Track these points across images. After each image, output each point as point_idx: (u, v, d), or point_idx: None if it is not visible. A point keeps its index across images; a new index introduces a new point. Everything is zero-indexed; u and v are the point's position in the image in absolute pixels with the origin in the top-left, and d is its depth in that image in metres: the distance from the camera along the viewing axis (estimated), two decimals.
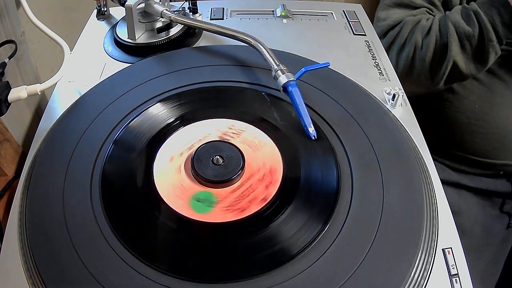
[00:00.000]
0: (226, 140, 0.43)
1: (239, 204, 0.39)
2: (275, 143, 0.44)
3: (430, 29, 0.70)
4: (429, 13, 0.75)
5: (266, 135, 0.44)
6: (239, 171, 0.40)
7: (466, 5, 0.69)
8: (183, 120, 0.46)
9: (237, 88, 0.50)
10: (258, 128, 0.45)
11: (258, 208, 0.38)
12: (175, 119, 0.46)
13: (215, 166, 0.41)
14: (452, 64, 0.69)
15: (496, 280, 0.74)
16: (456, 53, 0.68)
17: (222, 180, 0.40)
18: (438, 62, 0.70)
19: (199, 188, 0.40)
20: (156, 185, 0.40)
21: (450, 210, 0.40)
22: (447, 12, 0.71)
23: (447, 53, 0.68)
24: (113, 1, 0.59)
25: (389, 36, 0.75)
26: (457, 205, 0.77)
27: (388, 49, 0.74)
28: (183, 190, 0.40)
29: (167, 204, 0.39)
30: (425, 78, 0.72)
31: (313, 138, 0.43)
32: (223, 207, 0.39)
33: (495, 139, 0.74)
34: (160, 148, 0.43)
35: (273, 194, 0.39)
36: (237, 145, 0.42)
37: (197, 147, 0.42)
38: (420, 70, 0.72)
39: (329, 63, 0.48)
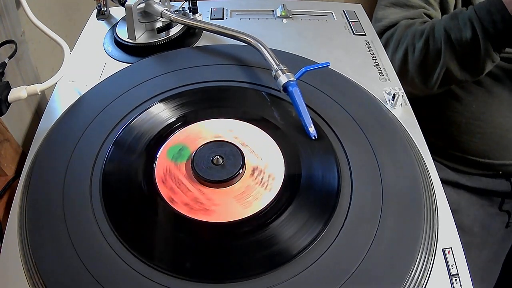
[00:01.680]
0: (225, 140, 0.43)
1: (244, 201, 0.39)
2: (275, 142, 0.44)
3: (423, 33, 0.69)
4: (426, 14, 0.75)
5: (266, 133, 0.44)
6: (239, 170, 0.40)
7: (463, 9, 0.66)
8: (183, 120, 0.46)
9: (237, 88, 0.50)
10: (258, 127, 0.45)
11: (264, 204, 0.38)
12: (175, 119, 0.46)
13: (216, 166, 0.41)
14: (446, 70, 0.68)
15: (496, 278, 0.74)
16: (449, 59, 0.66)
17: (223, 180, 0.40)
18: (431, 67, 0.69)
19: (201, 189, 0.40)
20: (156, 184, 0.40)
21: (450, 209, 0.40)
22: (442, 17, 0.70)
23: (440, 59, 0.67)
24: (113, 1, 0.59)
25: (384, 37, 0.75)
26: (456, 203, 0.77)
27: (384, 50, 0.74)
28: (185, 190, 0.40)
29: (167, 204, 0.39)
30: (418, 82, 0.72)
31: (313, 138, 0.43)
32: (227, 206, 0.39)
33: (493, 139, 0.74)
34: (160, 148, 0.43)
35: (275, 193, 0.39)
36: (236, 145, 0.42)
37: (197, 147, 0.42)
38: (413, 74, 0.71)
39: (329, 63, 0.48)
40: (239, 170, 0.40)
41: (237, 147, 0.42)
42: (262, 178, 0.41)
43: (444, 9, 0.77)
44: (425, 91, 0.74)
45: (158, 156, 0.42)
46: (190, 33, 0.59)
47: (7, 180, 0.47)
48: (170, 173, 0.41)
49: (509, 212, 0.78)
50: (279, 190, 0.40)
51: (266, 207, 0.38)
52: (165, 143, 0.43)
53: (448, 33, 0.65)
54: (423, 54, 0.69)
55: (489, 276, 0.74)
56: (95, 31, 0.61)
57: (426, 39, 0.68)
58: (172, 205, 0.39)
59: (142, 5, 0.55)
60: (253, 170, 0.41)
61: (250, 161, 0.42)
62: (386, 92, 0.50)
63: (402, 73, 0.72)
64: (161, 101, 0.47)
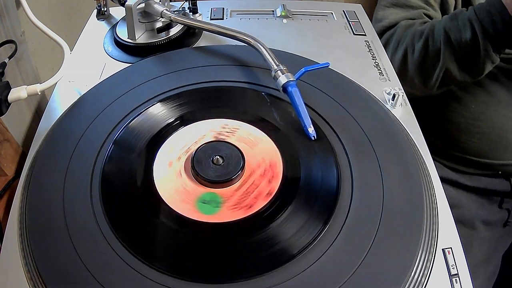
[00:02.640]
0: (223, 140, 0.43)
1: (246, 201, 0.39)
2: (275, 142, 0.44)
3: (422, 34, 0.69)
4: (426, 14, 0.75)
5: (260, 130, 0.44)
6: (240, 169, 0.40)
7: (463, 10, 0.66)
8: (183, 120, 0.46)
9: (237, 88, 0.50)
10: (258, 127, 0.45)
11: (265, 203, 0.39)
12: (175, 119, 0.46)
13: (216, 166, 0.41)
14: (445, 71, 0.67)
15: (497, 272, 0.75)
16: (448, 60, 0.66)
17: (225, 180, 0.40)
18: (430, 68, 0.69)
19: (203, 190, 0.40)
20: (155, 185, 0.40)
21: (450, 204, 0.40)
22: (442, 18, 0.70)
23: (439, 60, 0.67)
24: (113, 1, 0.59)
25: (384, 38, 0.75)
26: (457, 199, 0.77)
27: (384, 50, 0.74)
28: (187, 194, 0.40)
29: (166, 204, 0.39)
30: (418, 82, 0.72)
31: (312, 138, 0.43)
32: (230, 205, 0.39)
33: (492, 139, 0.74)
34: (160, 149, 0.43)
35: (277, 188, 0.40)
36: (234, 144, 0.42)
37: (195, 149, 0.42)
38: (413, 74, 0.71)
39: (329, 63, 0.48)
40: (240, 169, 0.40)
41: (235, 145, 0.42)
42: (263, 174, 0.41)
43: (444, 9, 0.77)
44: (424, 92, 0.74)
45: (155, 157, 0.42)
46: (190, 33, 0.59)
47: (7, 180, 0.47)
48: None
49: (508, 211, 0.78)
50: (279, 190, 0.40)
51: (266, 207, 0.38)
52: (162, 145, 0.43)
53: (447, 33, 0.65)
54: (423, 55, 0.69)
55: (490, 270, 0.74)
56: (95, 31, 0.61)
57: (426, 39, 0.68)
58: (157, 187, 0.39)
59: (142, 5, 0.55)
60: (253, 169, 0.41)
61: (249, 160, 0.42)
62: (386, 92, 0.50)
63: (402, 74, 0.72)
64: (161, 101, 0.47)
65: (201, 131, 0.45)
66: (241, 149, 0.42)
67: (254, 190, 0.40)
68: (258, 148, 0.43)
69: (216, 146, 0.42)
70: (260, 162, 0.42)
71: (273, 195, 0.39)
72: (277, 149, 0.43)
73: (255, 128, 0.45)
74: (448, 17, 0.67)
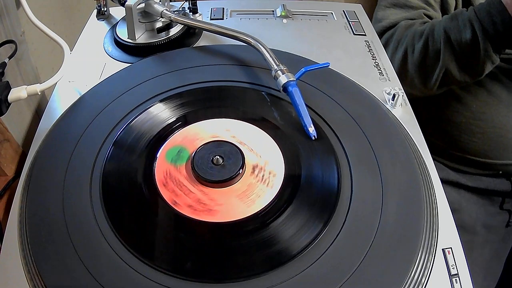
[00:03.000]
0: (224, 140, 0.43)
1: (247, 199, 0.39)
2: (275, 142, 0.44)
3: (422, 34, 0.69)
4: (426, 15, 0.75)
5: (266, 133, 0.44)
6: (239, 169, 0.40)
7: (463, 10, 0.66)
8: (183, 120, 0.46)
9: (237, 88, 0.50)
10: (258, 127, 0.45)
11: (265, 205, 0.39)
12: (175, 119, 0.46)
13: (216, 166, 0.41)
14: (445, 71, 0.67)
15: (499, 276, 0.74)
16: (448, 61, 0.66)
17: (224, 180, 0.40)
18: (430, 68, 0.69)
19: (202, 188, 0.40)
20: (156, 185, 0.40)
21: (451, 208, 0.40)
22: (442, 18, 0.70)
23: (439, 60, 0.67)
24: (113, 1, 0.60)
25: (384, 38, 0.75)
26: (457, 203, 0.77)
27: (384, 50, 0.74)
28: (187, 192, 0.40)
29: (167, 204, 0.39)
30: (418, 83, 0.72)
31: (313, 138, 0.43)
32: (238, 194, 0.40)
33: (493, 139, 0.74)
34: (160, 148, 0.43)
35: (277, 191, 0.39)
36: (235, 144, 0.42)
37: (196, 148, 0.42)
38: (413, 74, 0.71)
39: (329, 63, 0.48)
40: (240, 169, 0.40)
41: (236, 146, 0.42)
42: (263, 176, 0.41)
43: (444, 9, 0.77)
44: (424, 92, 0.74)
45: (157, 157, 0.42)
46: (190, 33, 0.59)
47: (7, 180, 0.47)
48: (170, 175, 0.41)
49: (509, 211, 0.78)
50: (279, 190, 0.40)
51: (266, 207, 0.38)
52: (163, 146, 0.43)
53: (447, 34, 0.65)
54: (423, 55, 0.69)
55: (491, 275, 0.74)
56: (95, 31, 0.61)
57: (426, 40, 0.68)
58: (175, 208, 0.39)
59: (142, 5, 0.55)
60: (253, 168, 0.41)
61: (249, 159, 0.42)
62: (386, 92, 0.50)
63: (402, 74, 0.72)
64: (161, 101, 0.47)
65: (200, 131, 0.45)
66: (241, 148, 0.42)
67: (255, 189, 0.40)
68: (258, 147, 0.43)
69: (217, 146, 0.42)
70: (260, 160, 0.42)
71: (274, 195, 0.39)
72: (278, 149, 0.43)
73: (256, 128, 0.45)
74: (448, 17, 0.67)
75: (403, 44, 0.71)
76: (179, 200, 0.39)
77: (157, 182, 0.40)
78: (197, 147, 0.42)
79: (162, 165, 0.42)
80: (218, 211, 0.38)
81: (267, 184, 0.40)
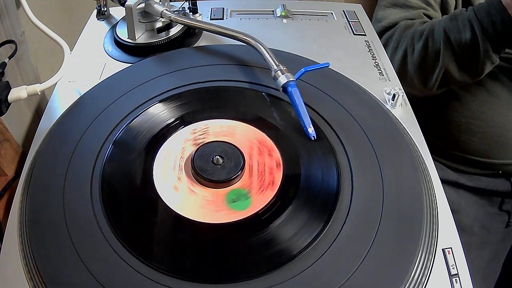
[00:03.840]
0: (221, 140, 0.43)
1: (266, 180, 0.40)
2: (275, 143, 0.44)
3: (422, 34, 0.69)
4: (426, 15, 0.75)
5: (265, 134, 0.44)
6: (240, 169, 0.40)
7: (463, 10, 0.66)
8: (183, 120, 0.46)
9: (237, 88, 0.50)
10: (258, 127, 0.45)
11: (260, 208, 0.38)
12: (175, 119, 0.46)
13: (216, 166, 0.41)
14: (444, 71, 0.67)
15: (497, 277, 0.74)
16: (448, 61, 0.66)
17: (226, 179, 0.40)
18: (430, 68, 0.69)
19: (206, 190, 0.40)
20: (155, 185, 0.40)
21: (450, 209, 0.40)
22: (442, 18, 0.70)
23: (439, 60, 0.67)
24: (113, 1, 0.60)
25: (383, 38, 0.75)
26: (456, 203, 0.77)
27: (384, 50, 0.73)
28: (190, 194, 0.40)
29: (166, 204, 0.39)
30: (418, 83, 0.72)
31: (312, 138, 0.43)
32: (257, 191, 0.40)
33: (492, 139, 0.74)
34: (160, 148, 0.43)
35: (274, 194, 0.39)
36: (237, 146, 0.42)
37: (195, 149, 0.42)
38: (413, 74, 0.71)
39: (329, 63, 0.48)
40: (241, 168, 0.40)
41: (233, 144, 0.42)
42: (261, 179, 0.41)
43: (444, 9, 0.77)
44: (424, 92, 0.74)
45: (156, 157, 0.42)
46: (190, 33, 0.59)
47: (7, 180, 0.47)
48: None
49: (509, 212, 0.78)
50: (279, 191, 0.40)
51: (266, 207, 0.38)
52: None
53: (447, 34, 0.65)
54: (422, 55, 0.69)
55: (490, 276, 0.74)
56: (95, 31, 0.61)
57: (425, 40, 0.68)
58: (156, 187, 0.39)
59: (142, 5, 0.55)
60: (252, 171, 0.41)
61: (249, 162, 0.42)
62: (386, 92, 0.50)
63: (401, 74, 0.71)
64: (161, 101, 0.47)
65: (217, 129, 0.45)
66: (242, 150, 0.42)
67: (264, 169, 0.41)
68: (258, 149, 0.43)
69: (215, 146, 0.42)
70: (260, 163, 0.42)
71: (272, 197, 0.39)
72: (277, 149, 0.43)
73: (256, 128, 0.45)
74: (448, 18, 0.67)
75: (402, 44, 0.71)
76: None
77: (155, 182, 0.40)
78: (196, 149, 0.42)
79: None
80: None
81: (270, 160, 0.41)
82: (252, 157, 0.42)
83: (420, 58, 0.69)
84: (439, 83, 0.70)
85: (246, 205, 0.39)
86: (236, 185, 0.40)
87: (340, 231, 0.37)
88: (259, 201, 0.39)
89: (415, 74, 0.71)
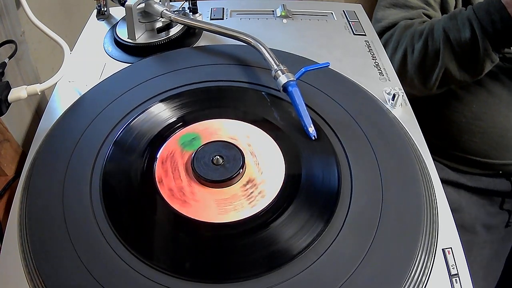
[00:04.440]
0: (230, 142, 0.43)
1: (223, 207, 0.39)
2: (275, 143, 0.44)
3: (422, 34, 0.69)
4: (425, 14, 0.75)
5: (266, 134, 0.44)
6: (236, 173, 0.40)
7: (462, 9, 0.66)
8: (183, 120, 0.46)
9: (237, 88, 0.49)
10: (258, 127, 0.45)
11: (236, 220, 0.38)
12: (176, 119, 0.46)
13: (215, 166, 0.41)
14: (444, 71, 0.67)
15: (498, 276, 0.74)
16: (448, 60, 0.66)
17: (219, 180, 0.40)
18: (430, 68, 0.69)
19: (190, 180, 0.40)
20: (156, 184, 0.40)
21: (450, 208, 0.40)
22: (441, 17, 0.70)
23: (439, 59, 0.67)
24: (113, 1, 0.60)
25: (383, 38, 0.75)
26: (457, 203, 0.77)
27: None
28: (177, 176, 0.41)
29: (167, 204, 0.39)
30: (418, 82, 0.72)
31: (313, 138, 0.43)
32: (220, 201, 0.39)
33: (493, 139, 0.74)
34: (160, 148, 0.43)
35: (256, 211, 0.38)
36: (240, 148, 0.42)
37: (200, 145, 0.42)
38: (413, 74, 0.71)
39: (329, 63, 0.48)
40: (237, 172, 0.40)
41: (240, 149, 0.42)
42: (251, 192, 0.40)
43: (444, 9, 0.77)
44: (424, 92, 0.74)
45: (169, 139, 0.44)
46: (190, 33, 0.59)
47: (7, 180, 0.47)
48: (172, 156, 0.42)
49: (509, 212, 0.78)
50: (279, 191, 0.40)
51: (266, 207, 0.38)
52: (183, 129, 0.44)
53: (447, 33, 0.65)
54: (422, 55, 0.69)
55: (490, 275, 0.74)
56: (95, 31, 0.61)
57: (425, 40, 0.68)
58: (158, 186, 0.40)
59: (142, 5, 0.55)
60: (248, 182, 0.41)
61: (249, 171, 0.41)
62: (386, 92, 0.50)
63: (401, 74, 0.72)
64: (161, 101, 0.47)
65: (222, 128, 0.45)
66: (247, 158, 0.42)
67: (236, 201, 0.39)
68: (263, 159, 0.42)
69: (221, 147, 0.42)
70: (259, 176, 0.41)
71: (260, 209, 0.38)
72: (278, 149, 0.43)
73: (269, 137, 0.44)
74: (447, 17, 0.67)
75: (402, 44, 0.71)
76: (165, 181, 0.40)
77: (157, 182, 0.40)
78: (201, 145, 0.42)
79: (171, 145, 0.43)
80: (190, 206, 0.38)
81: (251, 202, 0.39)
82: (249, 183, 0.41)
83: (420, 58, 0.69)
84: (439, 83, 0.70)
85: (196, 145, 0.42)
86: (214, 190, 0.40)
87: (340, 231, 0.37)
88: (259, 201, 0.39)
89: (415, 74, 0.71)
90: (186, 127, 0.45)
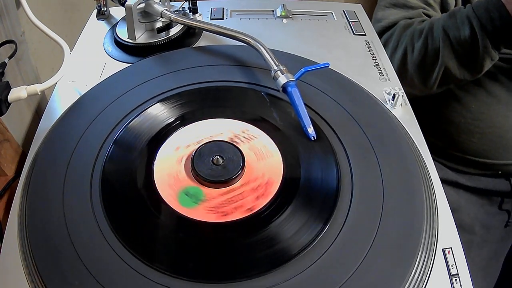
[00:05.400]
0: (232, 143, 0.43)
1: (224, 208, 0.38)
2: (275, 143, 0.44)
3: (421, 33, 0.69)
4: (426, 14, 0.75)
5: (275, 145, 0.44)
6: (235, 175, 0.40)
7: (461, 8, 0.67)
8: (183, 120, 0.46)
9: (236, 88, 0.49)
10: (258, 127, 0.45)
11: (241, 216, 0.38)
12: (175, 119, 0.46)
13: (214, 166, 0.41)
14: (444, 69, 0.68)
15: (497, 276, 0.74)
16: (447, 58, 0.66)
17: (216, 181, 0.40)
18: (430, 67, 0.69)
19: (191, 183, 0.40)
20: (156, 184, 0.40)
21: (450, 208, 0.40)
22: (441, 16, 0.70)
23: (439, 58, 0.67)
24: (113, 1, 0.60)
25: (383, 38, 0.75)
26: (456, 203, 0.77)
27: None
28: (177, 181, 0.40)
29: (167, 204, 0.39)
30: (418, 82, 0.72)
31: (312, 138, 0.43)
32: (208, 207, 0.39)
33: (492, 139, 0.74)
34: (160, 148, 0.43)
35: (260, 207, 0.39)
36: (242, 150, 0.42)
37: (202, 143, 0.42)
38: (413, 74, 0.71)
39: (329, 63, 0.48)
40: (236, 174, 0.40)
41: (241, 151, 0.42)
42: (255, 188, 0.40)
43: (444, 9, 0.77)
44: (424, 91, 0.74)
45: (156, 157, 0.42)
46: (190, 33, 0.59)
47: (7, 180, 0.47)
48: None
49: (508, 211, 0.78)
50: (279, 191, 0.40)
51: (266, 207, 0.38)
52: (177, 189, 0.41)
53: (446, 31, 0.65)
54: (422, 54, 0.69)
55: (490, 275, 0.74)
56: (95, 31, 0.61)
57: (425, 38, 0.68)
58: (159, 190, 0.39)
59: (142, 5, 0.55)
60: (248, 182, 0.41)
61: (250, 168, 0.41)
62: (386, 92, 0.50)
63: (401, 73, 0.72)
64: (161, 101, 0.47)
65: (219, 128, 0.45)
66: (246, 157, 0.42)
67: (238, 201, 0.39)
68: (265, 162, 0.42)
69: (222, 146, 0.42)
70: (259, 176, 0.41)
71: (254, 211, 0.38)
72: (277, 150, 0.43)
73: (271, 140, 0.44)
74: (447, 15, 0.67)
75: (402, 44, 0.71)
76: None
77: (156, 182, 0.40)
78: (203, 143, 0.42)
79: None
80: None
81: (257, 197, 0.39)
82: (247, 185, 0.41)
83: (420, 57, 0.69)
84: (439, 82, 0.70)
85: (189, 205, 0.39)
86: (204, 189, 0.40)
87: (340, 231, 0.37)
88: (260, 200, 0.39)
89: (415, 73, 0.71)
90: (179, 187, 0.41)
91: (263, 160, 0.42)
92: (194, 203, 0.39)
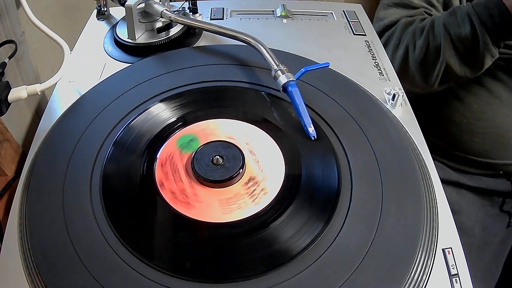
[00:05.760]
0: (232, 142, 0.43)
1: (224, 208, 0.39)
2: (275, 143, 0.44)
3: (423, 31, 0.69)
4: (428, 14, 0.75)
5: (276, 144, 0.44)
6: (235, 175, 0.40)
7: (461, 6, 0.67)
8: (183, 120, 0.46)
9: (237, 88, 0.49)
10: (258, 127, 0.45)
11: (241, 217, 0.38)
12: (175, 119, 0.46)
13: (214, 166, 0.41)
14: (446, 66, 0.68)
15: (497, 279, 0.74)
16: (449, 56, 0.67)
17: (216, 181, 0.40)
18: (431, 64, 0.69)
19: (192, 182, 0.40)
20: (156, 184, 0.40)
21: (450, 209, 0.40)
22: (441, 14, 0.70)
23: (440, 55, 0.67)
24: (113, 1, 0.60)
25: (385, 36, 0.75)
26: (457, 204, 0.77)
27: (384, 49, 0.74)
28: (178, 179, 0.41)
29: (167, 204, 0.39)
30: (419, 79, 0.72)
31: (312, 138, 0.43)
32: (208, 207, 0.39)
33: (494, 139, 0.74)
34: (160, 148, 0.43)
35: (261, 207, 0.39)
36: (242, 150, 0.42)
37: (199, 146, 0.42)
38: (414, 71, 0.71)
39: (329, 63, 0.48)
40: (235, 174, 0.40)
41: (241, 151, 0.42)
42: (254, 190, 0.40)
43: (447, 9, 0.77)
44: (425, 89, 0.74)
45: (167, 141, 0.44)
46: (190, 33, 0.59)
47: (7, 180, 0.47)
48: (171, 159, 0.42)
49: (509, 213, 0.78)
50: (279, 191, 0.40)
51: (266, 207, 0.38)
52: (180, 130, 0.44)
53: (447, 29, 0.66)
54: (424, 51, 0.69)
55: (489, 277, 0.74)
56: (95, 31, 0.61)
57: (426, 36, 0.68)
58: (160, 190, 0.39)
59: (142, 5, 0.55)
60: (249, 180, 0.41)
61: (250, 170, 0.42)
62: (386, 92, 0.50)
63: (403, 71, 0.72)
64: (161, 101, 0.47)
65: (217, 129, 0.45)
66: (246, 157, 0.42)
67: (238, 201, 0.39)
68: (265, 162, 0.42)
69: (222, 147, 0.42)
70: (260, 174, 0.41)
71: (252, 214, 0.38)
72: (278, 149, 0.43)
73: (273, 142, 0.44)
74: (447, 13, 0.68)
75: (404, 42, 0.72)
76: (167, 184, 0.40)
77: (157, 182, 0.40)
78: (202, 144, 0.42)
79: (169, 147, 0.43)
80: (194, 207, 0.38)
81: (254, 200, 0.39)
82: (246, 185, 0.41)
83: (422, 54, 0.69)
84: (440, 79, 0.70)
85: (194, 147, 0.42)
86: (212, 190, 0.40)
87: (340, 231, 0.37)
88: (238, 212, 0.39)
89: (416, 71, 0.71)
90: (183, 129, 0.45)
91: (263, 160, 0.42)
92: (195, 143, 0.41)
